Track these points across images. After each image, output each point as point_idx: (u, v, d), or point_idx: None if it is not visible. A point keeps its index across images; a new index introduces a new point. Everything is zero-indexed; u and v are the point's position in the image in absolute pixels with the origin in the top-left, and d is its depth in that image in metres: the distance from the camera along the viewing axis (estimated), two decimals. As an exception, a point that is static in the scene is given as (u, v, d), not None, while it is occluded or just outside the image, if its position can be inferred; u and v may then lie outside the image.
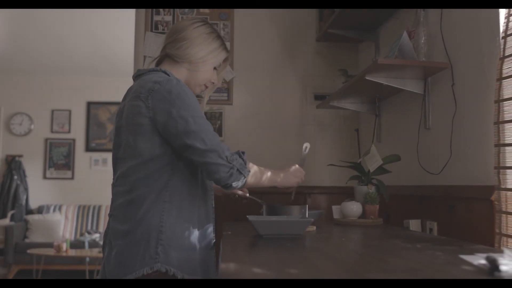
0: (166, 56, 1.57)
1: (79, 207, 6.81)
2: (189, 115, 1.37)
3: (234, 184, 1.42)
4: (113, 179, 1.49)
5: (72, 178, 7.15)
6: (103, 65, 6.71)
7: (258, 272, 0.97)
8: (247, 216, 1.62)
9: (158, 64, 1.60)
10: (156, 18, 2.88)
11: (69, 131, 7.22)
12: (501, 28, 1.54)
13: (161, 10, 2.88)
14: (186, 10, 2.86)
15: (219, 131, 2.83)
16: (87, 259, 5.26)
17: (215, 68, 1.61)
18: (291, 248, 1.30)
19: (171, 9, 2.87)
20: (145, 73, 1.50)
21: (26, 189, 6.89)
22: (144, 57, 2.82)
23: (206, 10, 2.88)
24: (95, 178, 7.02)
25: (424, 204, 2.02)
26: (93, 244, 5.88)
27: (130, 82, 1.56)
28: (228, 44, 2.82)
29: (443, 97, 1.90)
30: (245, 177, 1.43)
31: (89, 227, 6.68)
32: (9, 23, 5.40)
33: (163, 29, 2.86)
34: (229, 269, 1.02)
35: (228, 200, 1.95)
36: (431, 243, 1.44)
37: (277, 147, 2.85)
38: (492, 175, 1.55)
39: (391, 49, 2.02)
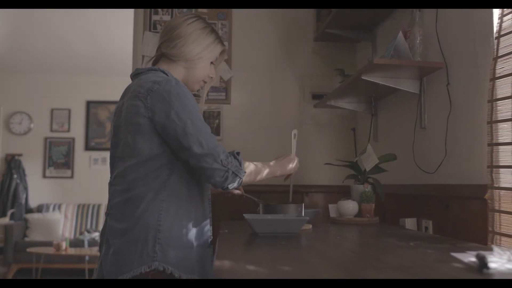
0: (162, 55, 1.56)
1: (78, 206, 6.83)
2: (188, 117, 1.37)
3: (230, 186, 1.44)
4: (111, 178, 1.49)
5: (72, 177, 7.16)
6: (102, 64, 6.72)
7: (251, 269, 0.98)
8: (244, 214, 1.64)
9: (154, 63, 1.59)
10: (155, 18, 2.89)
11: (68, 130, 7.24)
12: (495, 29, 1.56)
13: (159, 10, 2.89)
14: (185, 10, 2.88)
15: (217, 130, 2.84)
16: (87, 257, 5.27)
17: (212, 62, 1.60)
18: (286, 246, 1.32)
19: (170, 9, 2.89)
20: (144, 72, 1.50)
21: (25, 188, 6.91)
22: (143, 56, 2.84)
23: (204, 10, 2.89)
24: (95, 177, 7.01)
25: (419, 202, 2.03)
26: (92, 243, 5.89)
27: (129, 82, 1.56)
28: (226, 44, 2.84)
29: (438, 96, 1.91)
30: (240, 178, 1.44)
31: (88, 226, 6.70)
32: (9, 23, 5.41)
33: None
34: (223, 266, 1.04)
35: (225, 199, 1.96)
36: (425, 241, 1.46)
37: (274, 146, 2.86)
38: (486, 174, 1.56)
39: (387, 49, 2.03)
